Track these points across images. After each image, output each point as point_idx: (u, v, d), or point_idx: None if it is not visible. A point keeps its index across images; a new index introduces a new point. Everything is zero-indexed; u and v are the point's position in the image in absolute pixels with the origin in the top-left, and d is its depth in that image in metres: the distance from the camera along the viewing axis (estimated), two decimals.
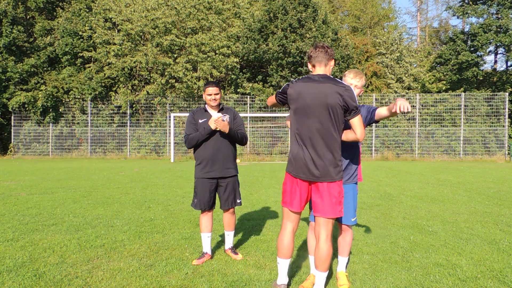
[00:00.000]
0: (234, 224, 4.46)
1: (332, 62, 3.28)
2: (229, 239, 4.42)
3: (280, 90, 3.35)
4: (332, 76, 3.23)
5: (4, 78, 23.30)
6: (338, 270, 3.70)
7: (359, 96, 24.18)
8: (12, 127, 24.15)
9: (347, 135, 3.24)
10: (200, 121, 4.25)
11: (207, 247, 4.28)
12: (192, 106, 23.85)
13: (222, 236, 5.14)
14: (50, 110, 23.85)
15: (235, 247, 4.70)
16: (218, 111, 4.29)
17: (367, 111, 3.63)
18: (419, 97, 24.81)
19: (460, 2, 27.90)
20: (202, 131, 4.16)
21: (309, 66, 3.31)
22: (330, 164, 3.11)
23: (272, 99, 3.51)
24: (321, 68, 3.25)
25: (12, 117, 24.06)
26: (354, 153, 3.58)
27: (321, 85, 3.11)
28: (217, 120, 4.07)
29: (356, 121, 3.13)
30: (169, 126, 23.23)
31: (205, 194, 4.22)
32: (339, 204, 3.17)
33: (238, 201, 4.36)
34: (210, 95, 4.20)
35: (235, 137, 4.24)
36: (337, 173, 3.15)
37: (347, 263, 3.71)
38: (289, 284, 3.52)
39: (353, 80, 3.58)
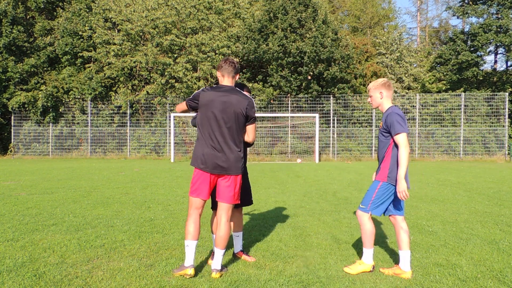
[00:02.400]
0: (242, 224, 4.39)
1: (238, 76, 3.89)
2: (239, 241, 4.34)
3: (191, 97, 3.85)
4: (237, 89, 3.86)
5: (4, 78, 23.31)
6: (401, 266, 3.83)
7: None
8: (12, 127, 24.15)
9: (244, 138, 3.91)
10: None
11: None
12: None
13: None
14: (50, 110, 23.86)
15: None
16: None
17: None
18: (419, 97, 24.81)
19: (460, 2, 27.89)
20: None
21: (218, 74, 3.88)
22: (235, 160, 3.73)
23: (182, 106, 4.00)
24: (229, 79, 3.84)
25: (12, 117, 24.06)
26: (382, 154, 3.88)
27: (230, 95, 3.74)
28: None
29: (251, 128, 3.85)
30: (169, 126, 23.24)
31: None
32: (238, 195, 3.83)
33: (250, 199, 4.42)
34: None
35: None
36: (239, 167, 3.77)
37: (408, 258, 3.83)
38: (194, 266, 3.75)
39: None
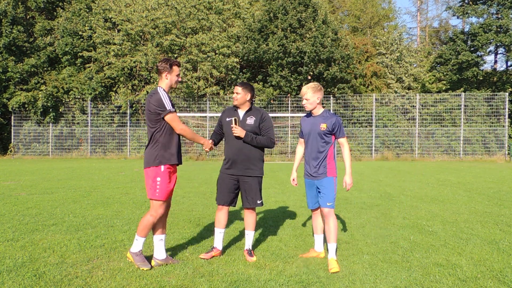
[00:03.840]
0: (254, 224, 4.41)
1: (164, 75, 4.03)
2: (248, 239, 4.38)
3: None
4: (159, 87, 4.04)
5: (4, 78, 23.29)
6: (329, 257, 4.08)
7: (359, 96, 24.18)
8: (12, 127, 24.14)
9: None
10: (227, 119, 4.36)
11: (217, 242, 4.35)
12: (192, 106, 23.87)
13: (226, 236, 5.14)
14: (50, 110, 23.85)
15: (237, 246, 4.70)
16: (246, 112, 4.37)
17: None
18: (419, 97, 24.81)
19: (460, 2, 27.89)
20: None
21: None
22: (149, 154, 3.99)
23: None
24: (160, 80, 4.12)
25: (12, 117, 24.05)
26: (324, 154, 4.22)
27: (148, 97, 4.06)
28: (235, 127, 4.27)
29: (168, 118, 3.94)
30: None
31: (223, 188, 4.32)
32: (153, 188, 3.95)
33: (259, 201, 4.36)
34: (233, 93, 4.45)
35: (252, 143, 4.27)
36: (149, 161, 3.96)
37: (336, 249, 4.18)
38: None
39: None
